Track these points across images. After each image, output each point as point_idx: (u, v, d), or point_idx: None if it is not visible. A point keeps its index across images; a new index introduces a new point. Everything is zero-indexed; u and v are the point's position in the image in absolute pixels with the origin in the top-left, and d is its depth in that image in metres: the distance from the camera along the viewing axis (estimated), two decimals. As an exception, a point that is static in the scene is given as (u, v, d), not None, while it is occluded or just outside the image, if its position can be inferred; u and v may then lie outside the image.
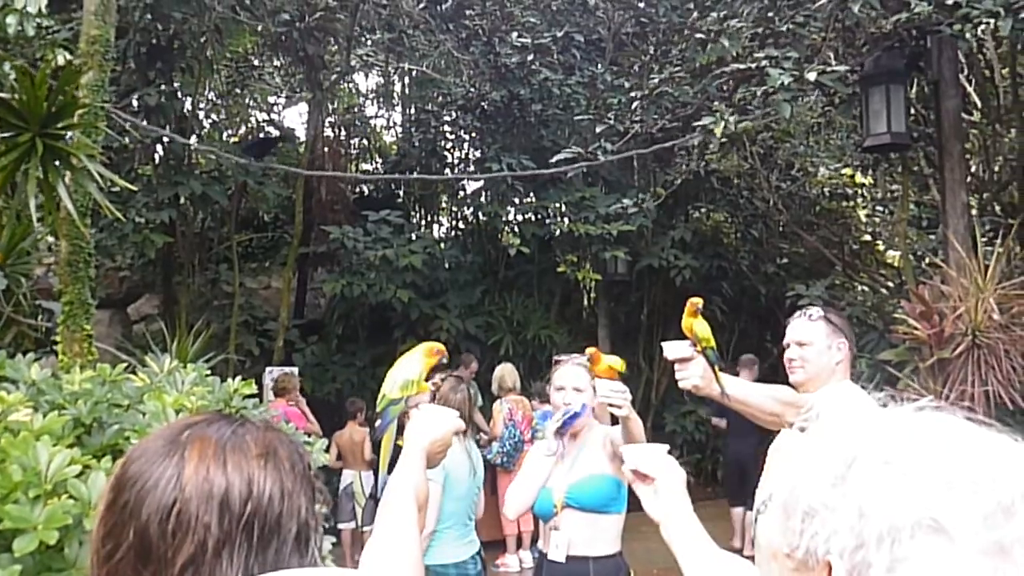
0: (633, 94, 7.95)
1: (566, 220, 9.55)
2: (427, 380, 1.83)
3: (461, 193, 11.97)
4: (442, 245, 11.24)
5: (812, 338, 2.75)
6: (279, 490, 0.86)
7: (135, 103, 8.54)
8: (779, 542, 0.72)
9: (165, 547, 0.80)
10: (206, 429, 0.89)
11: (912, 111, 6.70)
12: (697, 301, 2.65)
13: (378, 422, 1.78)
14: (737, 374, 7.89)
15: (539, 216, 10.60)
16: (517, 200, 10.75)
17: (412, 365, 1.79)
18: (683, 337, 2.66)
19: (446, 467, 3.29)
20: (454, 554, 3.31)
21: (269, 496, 0.84)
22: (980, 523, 0.60)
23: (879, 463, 0.66)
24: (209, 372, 3.05)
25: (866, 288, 9.20)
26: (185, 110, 9.78)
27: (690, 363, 2.59)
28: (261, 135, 11.99)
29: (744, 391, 2.76)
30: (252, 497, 0.83)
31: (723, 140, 6.47)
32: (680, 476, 1.45)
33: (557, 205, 10.01)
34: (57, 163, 3.18)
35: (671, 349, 2.60)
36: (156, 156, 9.51)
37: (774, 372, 9.64)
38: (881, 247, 11.33)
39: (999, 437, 0.67)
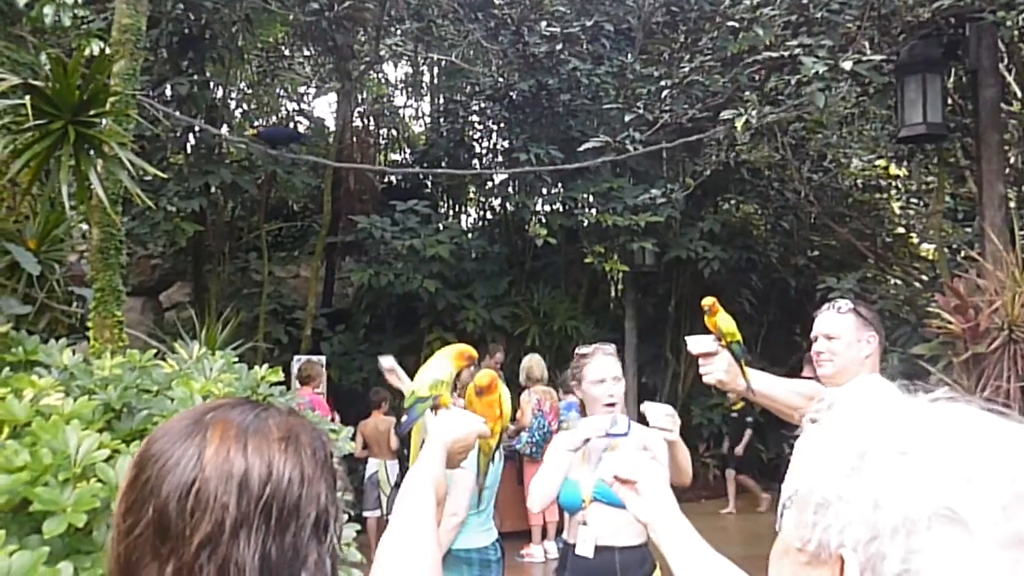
0: (663, 83, 7.87)
1: (594, 211, 9.50)
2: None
3: (489, 183, 11.96)
4: (469, 235, 11.24)
5: (841, 331, 2.71)
6: (299, 475, 0.86)
7: (167, 92, 8.63)
8: (791, 536, 0.72)
9: (183, 525, 0.80)
10: (229, 412, 0.89)
11: (949, 101, 6.56)
12: (710, 301, 2.61)
13: (404, 417, 1.77)
14: (801, 368, 7.79)
15: (566, 207, 10.55)
16: (544, 190, 10.72)
17: (442, 365, 1.78)
18: (709, 331, 2.63)
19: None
20: (476, 540, 3.34)
21: (288, 480, 0.85)
22: (999, 514, 0.59)
23: (894, 453, 0.65)
24: (237, 359, 3.08)
25: (899, 281, 9.05)
26: (216, 100, 9.86)
27: (714, 358, 2.55)
28: (285, 124, 12.06)
29: (769, 386, 2.72)
30: (271, 480, 0.84)
31: (752, 132, 6.39)
32: (663, 475, 1.43)
33: (585, 196, 9.96)
34: (89, 151, 3.21)
35: (695, 343, 2.57)
36: (187, 145, 9.61)
37: (802, 365, 9.56)
38: (915, 240, 11.15)
39: (1016, 427, 0.66)
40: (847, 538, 0.64)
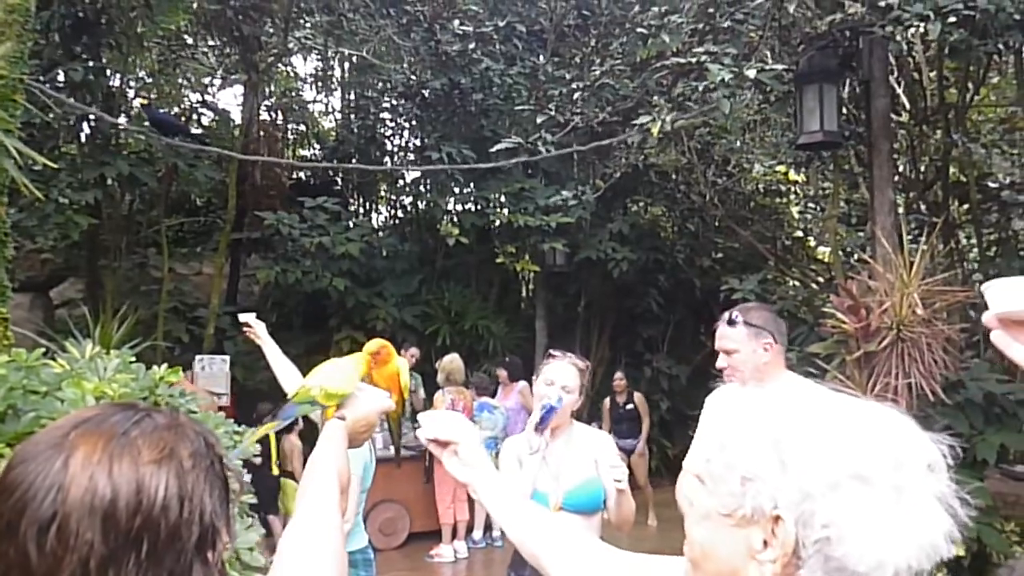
0: (574, 86, 7.96)
1: (505, 211, 9.54)
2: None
3: (400, 181, 11.85)
4: (380, 233, 11.13)
5: (735, 344, 2.75)
6: (176, 495, 0.79)
7: (60, 79, 8.18)
8: (711, 504, 0.89)
9: (45, 566, 0.73)
10: (97, 427, 0.81)
11: (844, 110, 6.87)
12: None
13: (281, 411, 1.59)
14: (705, 368, 7.82)
15: (478, 206, 10.56)
16: (457, 189, 10.69)
17: (348, 374, 1.57)
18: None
19: (364, 460, 3.31)
20: (358, 541, 3.39)
21: (163, 505, 0.78)
22: (891, 470, 0.81)
23: (806, 434, 0.85)
24: (134, 359, 2.94)
25: (797, 282, 9.43)
26: (113, 88, 9.43)
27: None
28: (187, 116, 11.66)
29: None
30: (142, 508, 0.76)
31: (660, 136, 6.53)
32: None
33: (496, 195, 9.99)
34: (-29, 137, 3.01)
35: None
36: (82, 135, 9.15)
37: (708, 363, 9.82)
38: (812, 243, 11.65)
39: (872, 405, 0.89)
40: (780, 501, 0.83)
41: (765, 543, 0.84)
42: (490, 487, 1.41)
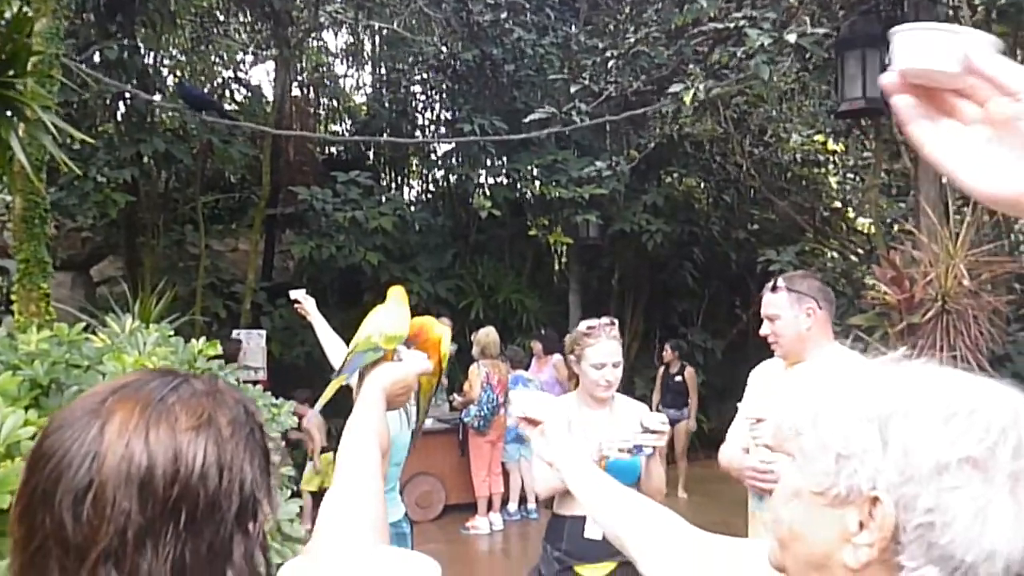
0: (608, 55, 7.84)
1: (538, 183, 9.47)
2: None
3: (432, 155, 11.82)
4: (412, 207, 11.12)
5: (777, 310, 2.74)
6: (215, 464, 0.76)
7: (96, 58, 8.25)
8: (802, 482, 0.84)
9: (81, 535, 0.71)
10: (135, 393, 0.78)
11: (887, 77, 6.68)
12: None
13: (347, 364, 1.55)
14: (742, 340, 7.74)
15: (511, 179, 10.50)
16: (488, 162, 10.63)
17: (400, 318, 1.57)
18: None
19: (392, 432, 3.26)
20: (391, 514, 3.36)
21: (201, 474, 0.75)
22: (1008, 457, 0.75)
23: (912, 411, 0.78)
24: (172, 333, 2.96)
25: (836, 254, 9.26)
26: (147, 66, 9.49)
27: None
28: (220, 93, 11.71)
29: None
30: (179, 477, 0.74)
31: (696, 105, 6.41)
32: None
33: (529, 168, 9.92)
34: (9, 114, 3.03)
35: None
36: (118, 113, 9.23)
37: (743, 338, 9.74)
38: (851, 214, 11.41)
39: (991, 381, 0.81)
40: (880, 482, 0.77)
41: (861, 525, 0.79)
42: (575, 467, 1.40)
